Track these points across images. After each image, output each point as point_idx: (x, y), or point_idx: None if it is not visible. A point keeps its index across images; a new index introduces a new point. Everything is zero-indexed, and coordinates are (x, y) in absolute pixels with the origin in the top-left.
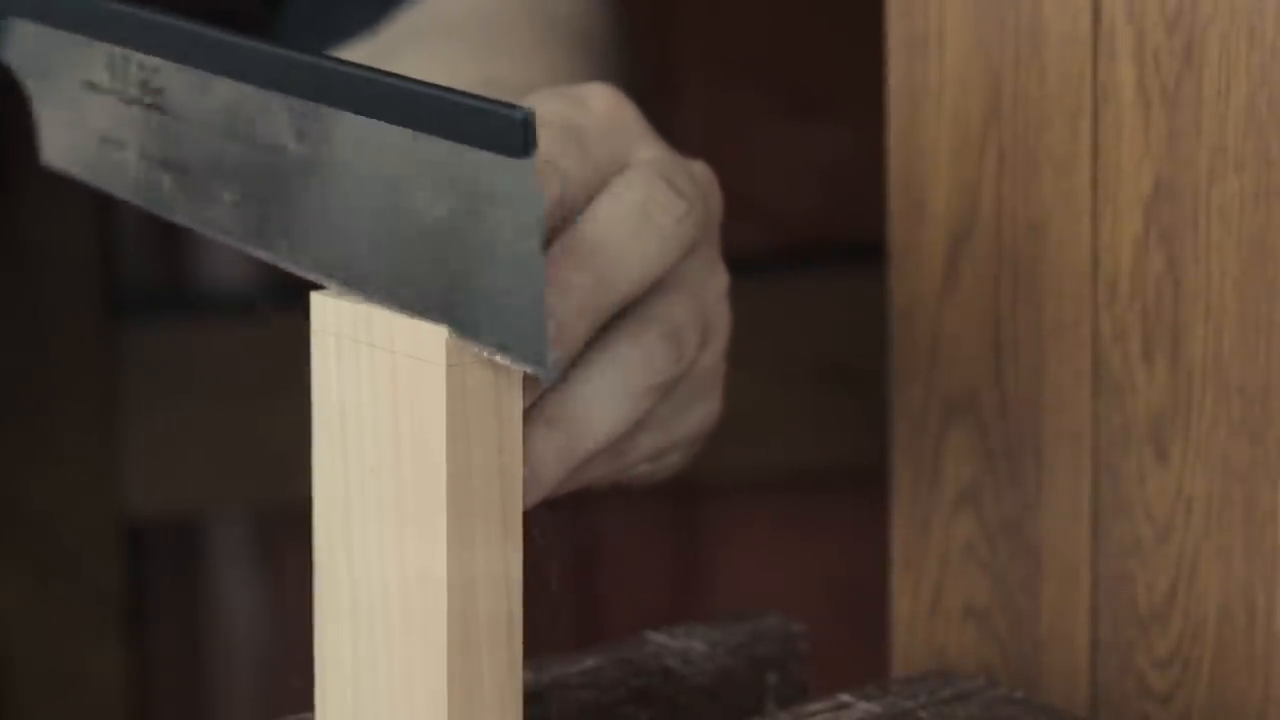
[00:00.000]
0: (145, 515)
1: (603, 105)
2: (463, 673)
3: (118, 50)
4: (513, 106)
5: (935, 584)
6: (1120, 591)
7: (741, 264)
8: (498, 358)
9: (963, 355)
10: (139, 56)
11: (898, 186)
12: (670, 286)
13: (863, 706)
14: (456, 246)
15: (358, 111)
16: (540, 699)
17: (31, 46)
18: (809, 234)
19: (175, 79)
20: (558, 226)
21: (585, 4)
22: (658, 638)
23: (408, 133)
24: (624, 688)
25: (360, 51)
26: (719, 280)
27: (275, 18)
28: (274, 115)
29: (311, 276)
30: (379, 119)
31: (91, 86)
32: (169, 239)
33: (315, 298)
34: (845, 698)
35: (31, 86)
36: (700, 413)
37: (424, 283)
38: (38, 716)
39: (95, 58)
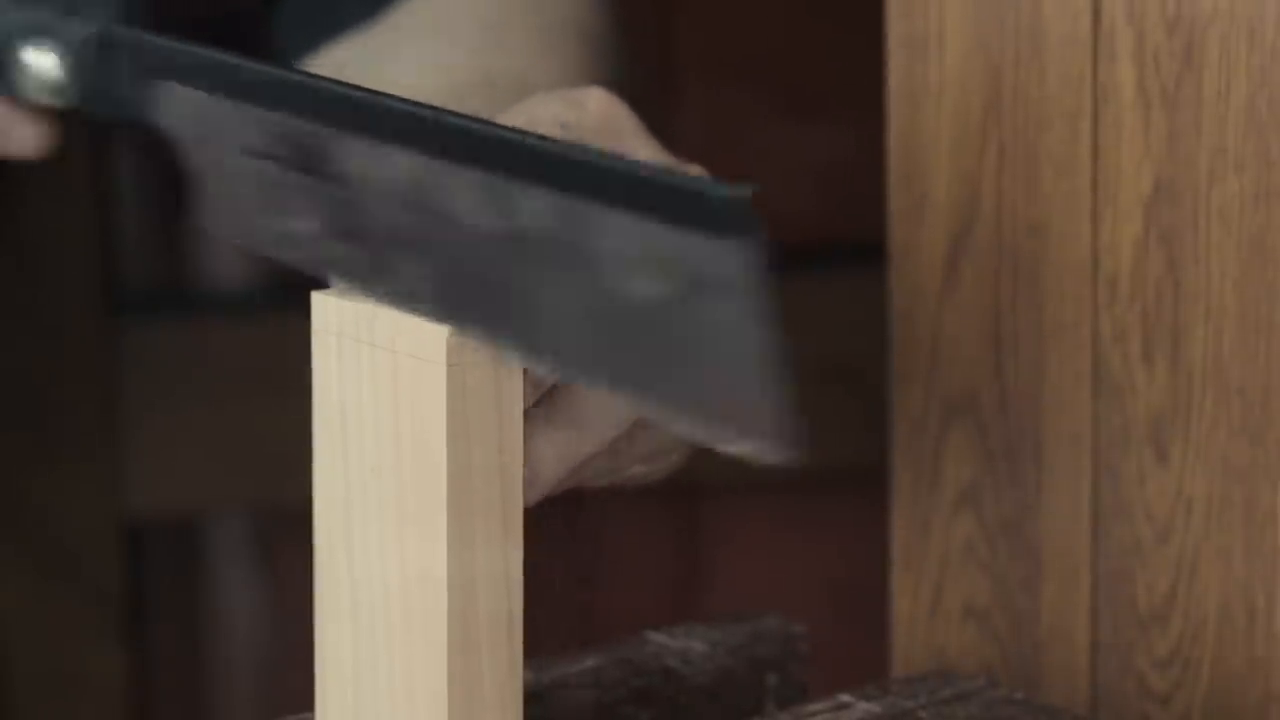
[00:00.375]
0: (145, 515)
1: (599, 107)
2: (463, 673)
3: (278, 117)
4: (725, 185)
5: (935, 584)
6: (1120, 592)
7: None
8: (731, 448)
9: (963, 355)
10: (302, 124)
11: (898, 187)
12: None
13: (863, 707)
14: (670, 328)
15: (544, 183)
16: (540, 699)
17: (187, 110)
18: (809, 234)
19: (349, 148)
20: None
21: (583, 3)
22: (658, 638)
23: (620, 212)
24: (624, 688)
25: (355, 46)
26: None
27: (272, 13)
28: (462, 190)
29: (522, 359)
30: (584, 198)
31: (250, 153)
32: (169, 239)
33: (316, 297)
34: (845, 698)
35: (188, 151)
36: None
37: (633, 364)
38: (38, 716)
39: (253, 125)
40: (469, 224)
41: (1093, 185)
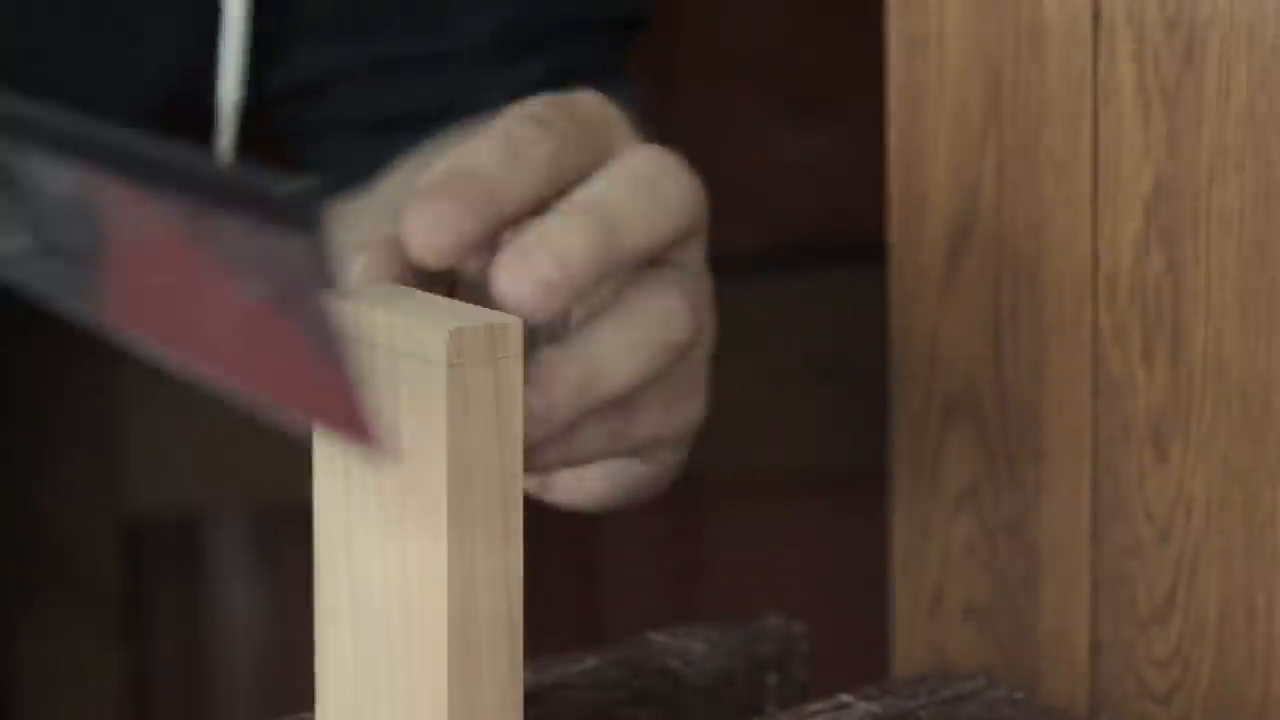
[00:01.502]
0: (145, 515)
1: (591, 101)
2: (463, 673)
3: None
4: (287, 181)
5: (935, 584)
6: (1120, 592)
7: (741, 264)
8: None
9: (963, 355)
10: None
11: (898, 186)
12: (681, 263)
13: (863, 707)
14: (276, 327)
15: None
16: (540, 699)
17: None
18: (809, 234)
19: (28, 160)
20: (562, 190)
21: None
22: (658, 638)
23: (220, 215)
24: (624, 688)
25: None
26: (708, 280)
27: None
28: (96, 198)
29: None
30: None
31: None
32: None
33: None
34: (845, 698)
35: None
36: (690, 407)
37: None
38: (38, 716)
39: None
40: (114, 237)
41: (1093, 185)
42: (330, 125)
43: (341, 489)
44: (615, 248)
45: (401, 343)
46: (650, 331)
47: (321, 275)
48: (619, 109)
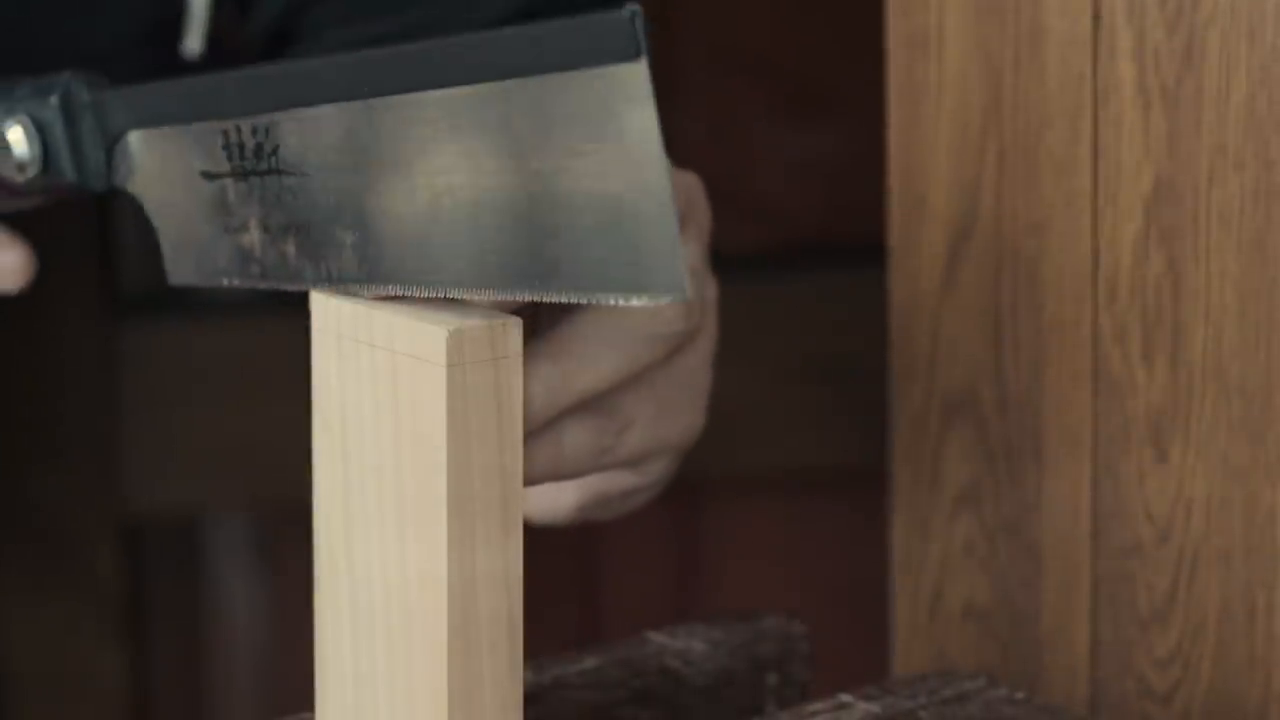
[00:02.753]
0: (145, 515)
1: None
2: (463, 673)
3: (227, 123)
4: (612, 10)
5: (935, 584)
6: (1120, 591)
7: (741, 264)
8: (633, 301)
9: (963, 355)
10: (249, 121)
11: (898, 186)
12: None
13: (863, 707)
14: (572, 199)
15: (451, 82)
16: (540, 699)
17: (144, 161)
18: (809, 234)
19: (286, 128)
20: None
21: None
22: (658, 638)
23: (507, 85)
24: (624, 688)
25: None
26: (711, 287)
27: None
28: (382, 125)
29: (444, 293)
30: (473, 81)
31: (208, 176)
32: None
33: (316, 297)
34: (845, 698)
35: (151, 207)
36: (684, 420)
37: (548, 256)
38: (38, 716)
39: (206, 142)
40: (383, 163)
41: (1093, 185)
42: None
43: (341, 489)
44: None
45: (401, 343)
46: (632, 325)
47: (643, 99)
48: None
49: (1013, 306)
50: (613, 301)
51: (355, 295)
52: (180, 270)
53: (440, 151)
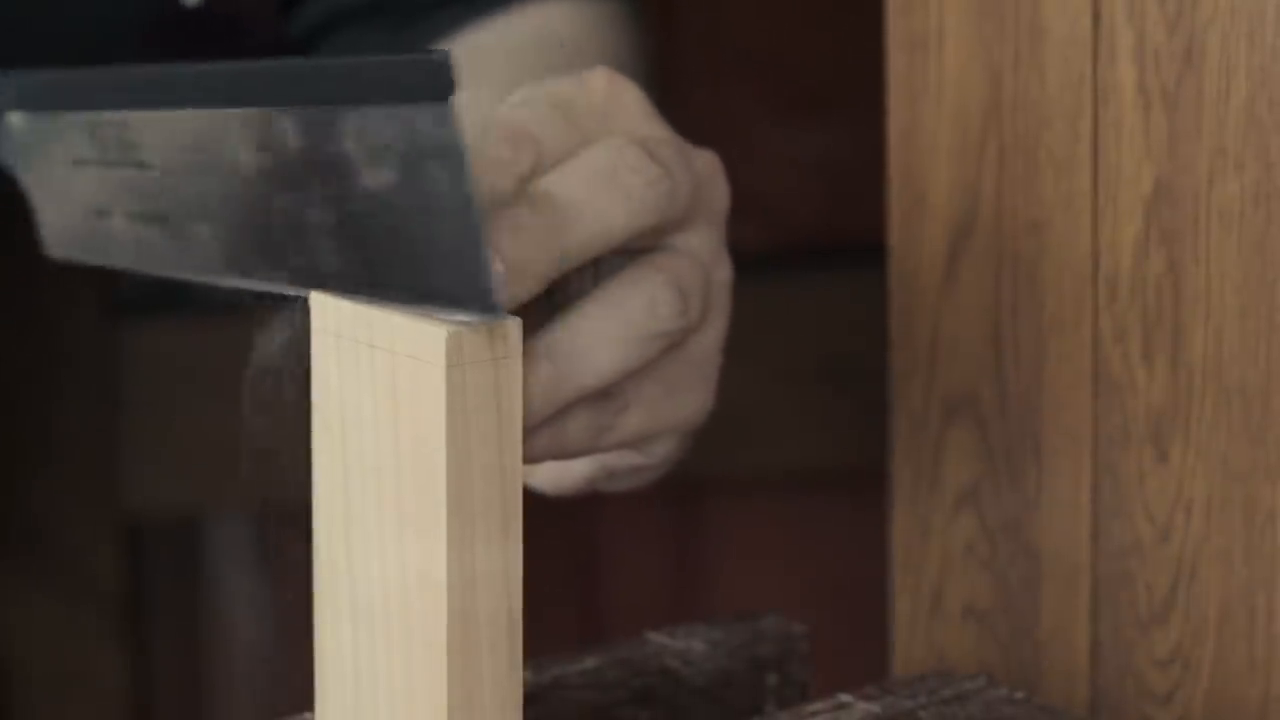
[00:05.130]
0: (145, 515)
1: (602, 85)
2: (463, 673)
3: (95, 116)
4: (429, 53)
5: (935, 584)
6: (1120, 592)
7: (742, 264)
8: (454, 318)
9: (963, 354)
10: (114, 115)
11: (898, 186)
12: (676, 249)
13: (863, 707)
14: (396, 215)
15: (293, 101)
16: (540, 699)
17: (22, 139)
18: (809, 234)
19: (146, 127)
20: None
21: (619, 39)
22: (658, 638)
23: (344, 109)
24: (624, 688)
25: None
26: (724, 269)
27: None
28: (230, 132)
29: (289, 291)
30: (312, 103)
31: (79, 163)
32: None
33: (315, 297)
34: (845, 698)
35: (28, 181)
36: (692, 401)
37: (380, 264)
38: (38, 716)
39: (77, 131)
40: (242, 166)
41: (1093, 185)
42: (338, 16)
43: (341, 489)
44: (560, 250)
45: (401, 343)
46: (631, 321)
47: (453, 142)
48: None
49: (1013, 306)
50: (438, 315)
51: (217, 284)
52: (55, 245)
53: (274, 163)
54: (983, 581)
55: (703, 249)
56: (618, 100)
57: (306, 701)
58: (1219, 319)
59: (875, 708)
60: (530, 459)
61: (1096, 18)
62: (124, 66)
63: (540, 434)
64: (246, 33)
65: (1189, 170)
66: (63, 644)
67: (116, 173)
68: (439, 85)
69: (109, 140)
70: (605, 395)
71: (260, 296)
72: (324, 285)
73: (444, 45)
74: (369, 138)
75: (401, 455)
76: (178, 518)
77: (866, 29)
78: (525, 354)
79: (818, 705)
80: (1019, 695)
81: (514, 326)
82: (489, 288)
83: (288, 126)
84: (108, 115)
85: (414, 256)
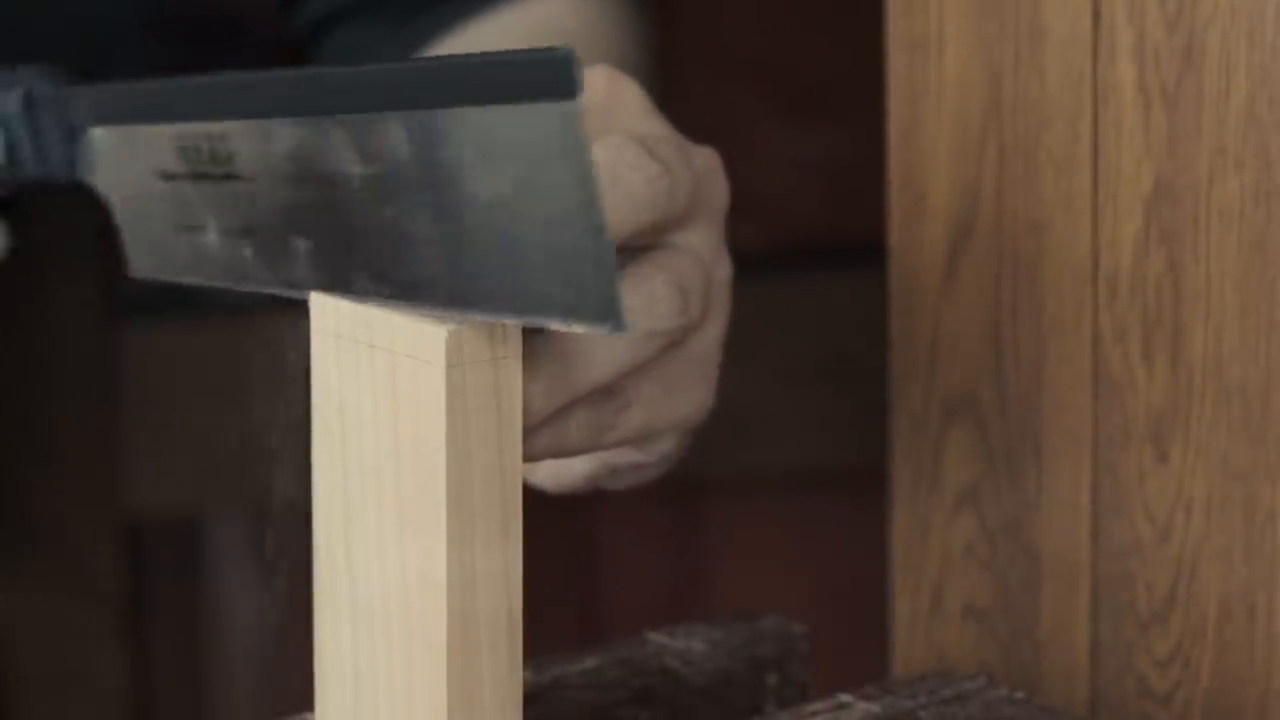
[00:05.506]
0: (145, 515)
1: (602, 83)
2: (463, 673)
3: (184, 127)
4: (551, 50)
5: (935, 584)
6: (1120, 591)
7: (741, 264)
8: (573, 327)
9: (963, 355)
10: (205, 127)
11: (898, 186)
12: (677, 247)
13: (863, 707)
14: (511, 222)
15: (399, 106)
16: (540, 699)
17: (105, 156)
18: (809, 234)
19: (240, 138)
20: None
21: (623, 35)
22: (658, 638)
23: (456, 112)
24: (624, 688)
25: None
26: (724, 267)
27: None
28: (334, 142)
29: (392, 306)
30: (420, 107)
31: (166, 177)
32: None
33: (315, 298)
34: (845, 698)
35: (113, 202)
36: (693, 399)
37: (489, 274)
38: (38, 716)
39: (164, 144)
40: (344, 177)
41: (1093, 185)
42: (340, 12)
43: (341, 489)
44: None
45: (401, 343)
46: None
47: (574, 142)
48: (630, 87)
49: (1013, 306)
50: (552, 326)
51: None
52: (140, 263)
53: (386, 171)
54: (983, 581)
55: (703, 247)
56: (618, 98)
57: (306, 701)
58: (1219, 318)
59: (875, 708)
60: (531, 458)
61: (1096, 17)
62: (209, 75)
63: (541, 433)
64: (246, 31)
65: (1189, 169)
66: (63, 644)
67: (208, 186)
68: (563, 83)
69: (200, 152)
70: (606, 394)
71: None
72: (428, 298)
73: (446, 39)
74: (482, 141)
75: (401, 455)
76: (178, 518)
77: (867, 29)
78: (525, 354)
79: (818, 705)
80: (1019, 695)
81: (514, 327)
82: (615, 297)
83: (393, 133)
84: (198, 126)
85: (527, 266)
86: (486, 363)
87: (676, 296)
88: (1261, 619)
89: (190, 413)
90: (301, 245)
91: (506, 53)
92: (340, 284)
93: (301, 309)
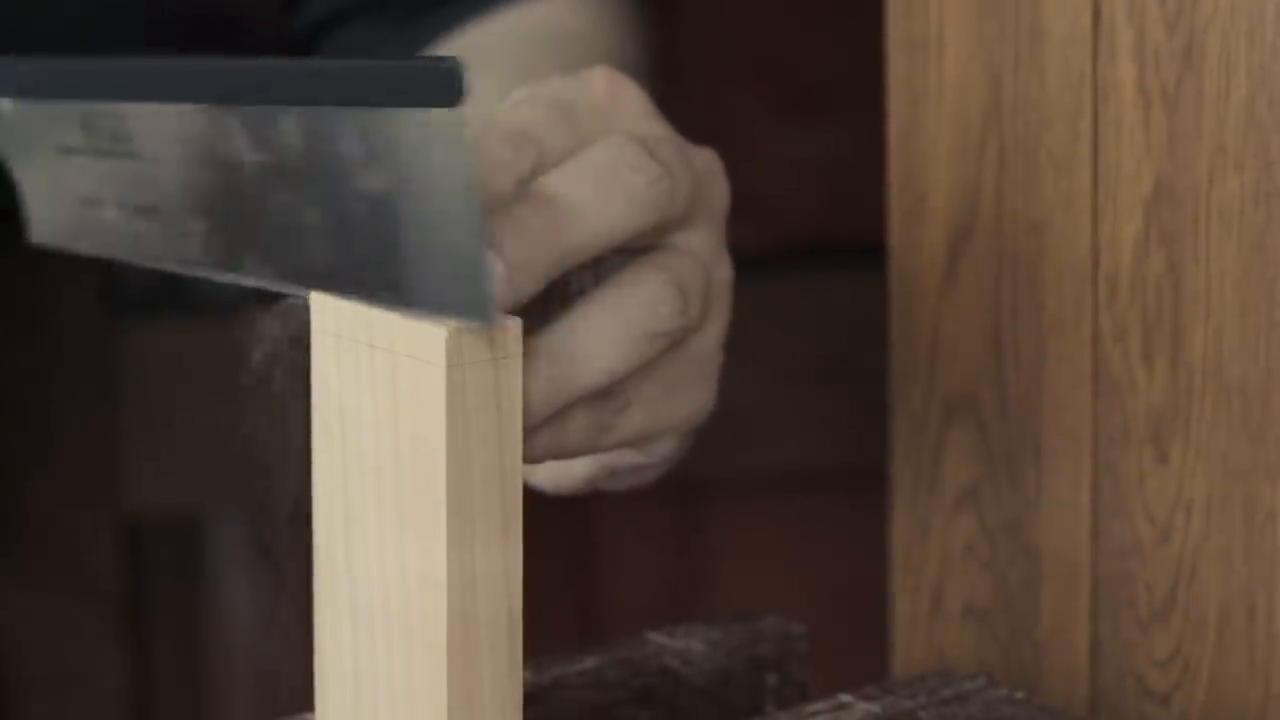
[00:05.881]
0: (145, 515)
1: (603, 85)
2: (463, 673)
3: (86, 106)
4: (439, 59)
5: (935, 584)
6: (1120, 591)
7: (741, 264)
8: (446, 323)
9: (963, 355)
10: (106, 107)
11: (898, 186)
12: (677, 248)
13: (863, 707)
14: (394, 217)
15: (294, 102)
16: (540, 699)
17: (10, 126)
18: (809, 234)
19: (140, 120)
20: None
21: (622, 33)
22: (658, 638)
23: (346, 110)
24: (624, 688)
25: None
26: (724, 267)
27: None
28: (229, 129)
29: (278, 288)
30: (314, 103)
31: (68, 151)
32: None
33: (315, 298)
34: (845, 698)
35: (15, 166)
36: (693, 400)
37: (373, 266)
38: (38, 716)
39: (68, 120)
40: (242, 164)
41: (1093, 185)
42: (342, 13)
43: (341, 489)
44: (560, 251)
45: (401, 343)
46: (631, 321)
47: (456, 145)
48: (630, 88)
49: (1013, 306)
50: (427, 318)
51: (206, 277)
52: (43, 233)
53: (272, 161)
54: (983, 581)
55: (703, 248)
56: (618, 99)
57: (306, 701)
58: (1219, 318)
59: (875, 708)
60: (530, 459)
61: (1096, 17)
62: (118, 58)
63: (540, 434)
64: (247, 31)
65: (1189, 170)
66: (63, 644)
67: (108, 163)
68: (448, 91)
69: (102, 130)
70: (606, 395)
71: (259, 294)
72: (314, 284)
73: (448, 40)
74: (370, 140)
75: (401, 455)
76: (178, 518)
77: (867, 30)
78: (525, 354)
79: (818, 705)
80: (1019, 695)
81: (514, 326)
82: (487, 295)
83: (288, 126)
84: (101, 106)
85: (408, 260)
86: (486, 363)
87: (676, 297)
88: (1261, 619)
89: (190, 413)
90: (197, 225)
91: (402, 59)
92: (232, 266)
93: (301, 308)
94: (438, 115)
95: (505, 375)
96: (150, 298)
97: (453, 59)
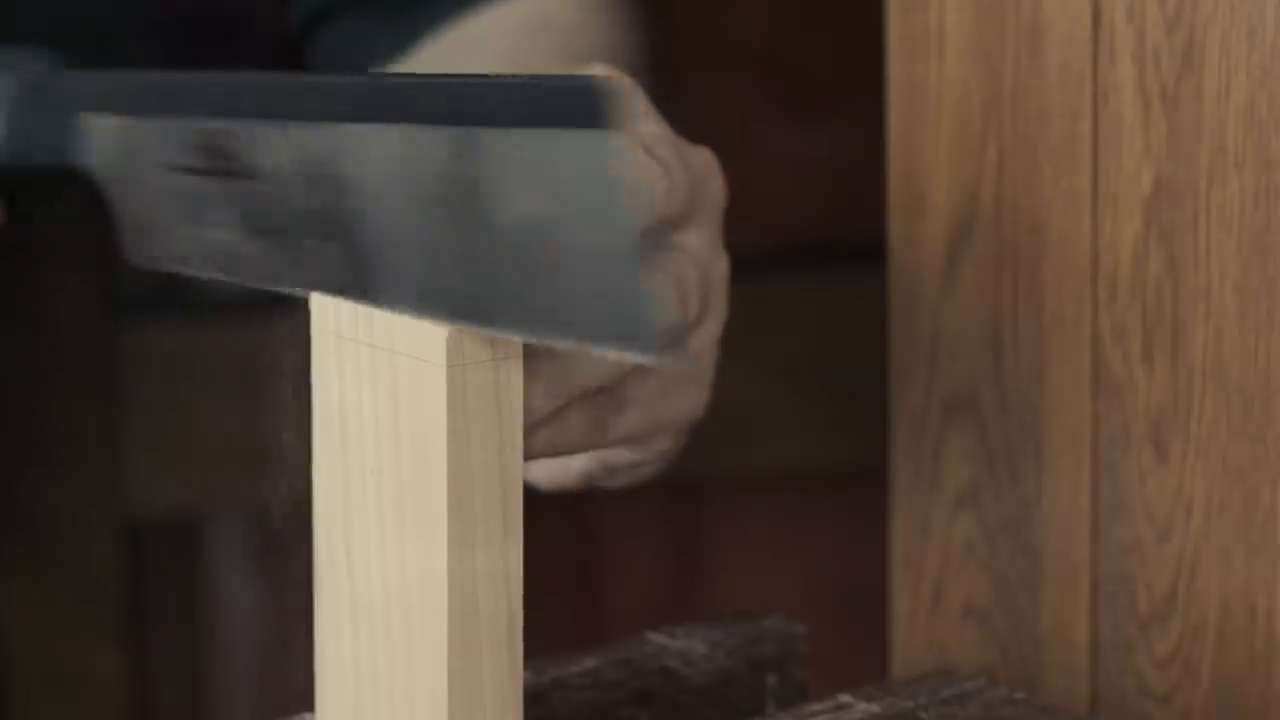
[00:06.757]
0: (145, 515)
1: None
2: (463, 673)
3: (192, 123)
4: (588, 78)
5: (935, 584)
6: (1120, 591)
7: (741, 264)
8: (606, 351)
9: (963, 355)
10: (214, 124)
11: (898, 186)
12: (674, 247)
13: (863, 707)
14: (545, 242)
15: (438, 121)
16: (540, 699)
17: (108, 144)
18: (809, 234)
19: (251, 138)
20: None
21: (620, 32)
22: (658, 638)
23: (495, 130)
24: (624, 688)
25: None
26: (720, 265)
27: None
28: (352, 148)
29: (412, 315)
30: (459, 123)
31: (175, 169)
32: None
33: (315, 298)
34: (845, 698)
35: (112, 189)
36: (688, 398)
37: (520, 295)
38: (38, 716)
39: (172, 137)
40: (372, 184)
41: (1093, 184)
42: (335, 9)
43: (341, 489)
44: None
45: (401, 343)
46: None
47: (619, 171)
48: (629, 86)
49: (1013, 306)
50: (581, 349)
51: (339, 298)
52: (139, 252)
53: (412, 182)
54: (983, 581)
55: (699, 246)
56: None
57: (306, 701)
58: (1219, 318)
59: (875, 708)
60: (530, 456)
61: (1096, 17)
62: (227, 73)
63: (540, 432)
64: (246, 29)
65: (1189, 169)
66: (63, 644)
67: (221, 184)
68: (605, 114)
69: (211, 148)
70: (604, 393)
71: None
72: (451, 312)
73: (438, 33)
74: (523, 162)
75: (401, 455)
76: (178, 518)
77: (867, 29)
78: (525, 354)
79: (818, 705)
80: (1019, 695)
81: None
82: (651, 322)
83: (431, 145)
84: (213, 124)
85: (560, 290)
86: (486, 363)
87: (675, 294)
88: (1261, 619)
89: (190, 412)
90: (322, 247)
91: (555, 77)
92: (362, 289)
93: (301, 308)
94: (592, 138)
95: (505, 375)
96: (151, 298)
97: (615, 81)
